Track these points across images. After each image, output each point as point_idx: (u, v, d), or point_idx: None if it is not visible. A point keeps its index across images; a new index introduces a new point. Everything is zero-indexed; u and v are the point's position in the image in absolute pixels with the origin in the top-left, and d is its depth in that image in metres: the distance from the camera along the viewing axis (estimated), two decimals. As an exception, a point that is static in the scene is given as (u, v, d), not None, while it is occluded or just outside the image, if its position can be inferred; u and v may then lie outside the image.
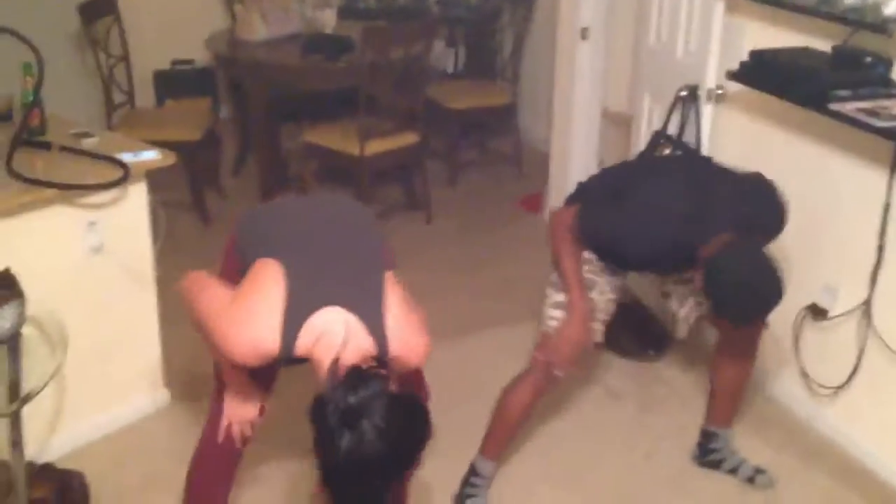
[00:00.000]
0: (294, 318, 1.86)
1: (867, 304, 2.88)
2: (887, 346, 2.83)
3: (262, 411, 2.26)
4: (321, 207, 2.35)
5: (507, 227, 4.76)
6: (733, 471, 2.98)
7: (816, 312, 3.09)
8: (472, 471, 2.83)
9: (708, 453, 3.02)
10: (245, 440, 2.28)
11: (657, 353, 3.63)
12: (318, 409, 1.67)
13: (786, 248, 3.23)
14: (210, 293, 1.99)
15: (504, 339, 3.66)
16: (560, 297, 2.73)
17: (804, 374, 3.18)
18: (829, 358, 3.07)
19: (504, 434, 2.81)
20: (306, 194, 4.63)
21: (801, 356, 3.18)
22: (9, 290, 2.21)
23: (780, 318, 3.20)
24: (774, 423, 3.24)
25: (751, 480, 2.95)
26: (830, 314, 3.04)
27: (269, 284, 1.91)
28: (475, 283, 4.17)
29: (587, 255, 2.70)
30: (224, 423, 2.24)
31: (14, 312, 2.19)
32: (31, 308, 2.24)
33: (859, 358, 2.93)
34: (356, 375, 1.71)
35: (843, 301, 2.99)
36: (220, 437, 2.24)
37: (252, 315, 1.88)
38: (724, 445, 3.01)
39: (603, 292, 2.76)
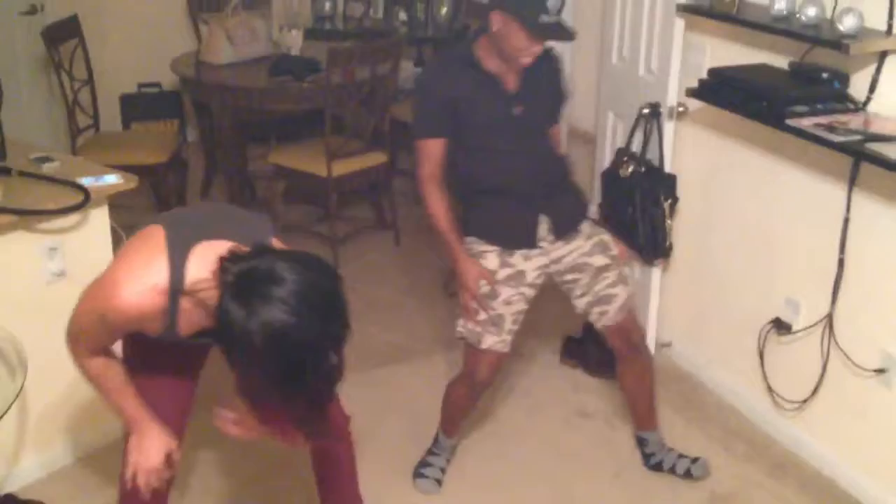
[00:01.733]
0: (178, 249, 1.82)
1: (829, 318, 2.91)
2: (849, 360, 2.85)
3: (170, 460, 2.06)
4: (217, 208, 2.32)
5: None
6: (671, 469, 3.05)
7: (780, 326, 3.11)
8: (435, 441, 3.08)
9: (648, 457, 3.11)
10: (160, 491, 2.10)
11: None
12: (224, 316, 1.62)
13: (749, 262, 3.27)
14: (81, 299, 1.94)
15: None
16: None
17: (769, 389, 3.20)
18: (794, 372, 3.09)
19: (455, 418, 3.04)
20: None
21: (766, 370, 3.20)
22: (-34, 318, 2.19)
23: (745, 333, 3.24)
24: (740, 436, 3.26)
25: (689, 474, 3.03)
26: (794, 328, 3.07)
27: (147, 237, 1.89)
28: (443, 301, 4.16)
29: (487, 262, 2.79)
30: (129, 472, 2.04)
31: (-28, 340, 2.17)
32: (-9, 335, 2.22)
33: (823, 371, 2.96)
34: (244, 255, 1.69)
35: (807, 315, 3.02)
36: (129, 487, 2.05)
37: (133, 263, 1.85)
38: (657, 447, 3.09)
39: (508, 302, 2.81)
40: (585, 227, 2.90)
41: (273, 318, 1.59)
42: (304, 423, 1.80)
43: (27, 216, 2.59)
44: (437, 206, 2.76)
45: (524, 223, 2.81)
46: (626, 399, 3.14)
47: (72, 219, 2.72)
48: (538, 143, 2.84)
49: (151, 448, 2.03)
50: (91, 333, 1.92)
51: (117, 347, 2.05)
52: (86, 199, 2.65)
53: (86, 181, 2.74)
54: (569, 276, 2.88)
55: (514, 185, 2.78)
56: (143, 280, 1.80)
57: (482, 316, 2.79)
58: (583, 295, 2.90)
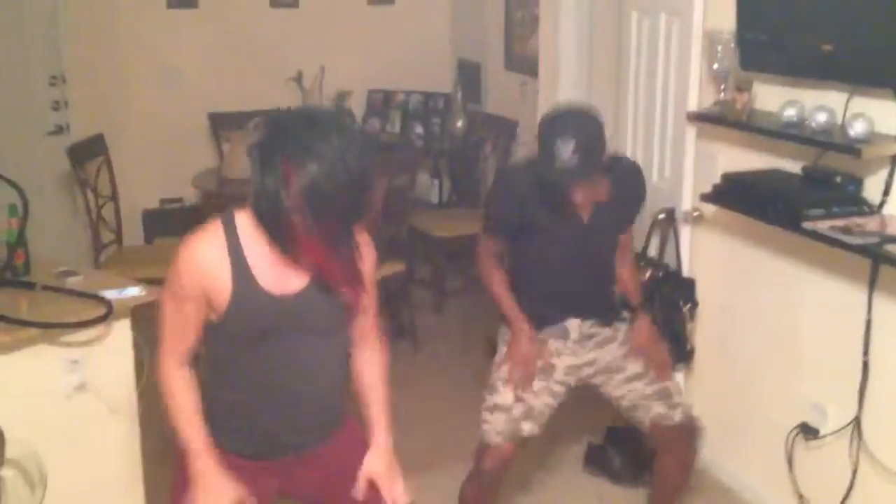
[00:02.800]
0: (227, 215, 2.00)
1: (857, 422, 2.86)
2: (880, 464, 2.79)
3: None
4: None
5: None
6: None
7: (807, 431, 3.06)
8: None
9: None
10: None
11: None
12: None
13: (773, 366, 3.23)
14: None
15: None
16: (496, 398, 2.83)
17: (799, 496, 3.12)
18: (824, 477, 3.02)
19: None
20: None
21: (795, 477, 3.13)
22: (-13, 432, 2.19)
23: (773, 438, 3.18)
24: (773, 547, 3.17)
25: None
26: (822, 433, 3.01)
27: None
28: (465, 410, 4.11)
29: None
30: None
31: (-8, 455, 2.16)
32: (12, 449, 2.21)
33: (853, 477, 2.89)
34: None
35: (834, 419, 2.97)
36: None
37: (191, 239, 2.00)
38: None
39: (537, 394, 2.83)
40: (621, 333, 2.92)
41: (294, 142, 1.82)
42: (334, 243, 1.89)
43: (50, 329, 2.61)
44: (495, 282, 2.88)
45: (556, 320, 2.88)
46: (655, 477, 3.09)
47: (94, 331, 2.74)
48: (595, 255, 2.88)
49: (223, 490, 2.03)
50: (172, 318, 2.03)
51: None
52: (108, 312, 2.67)
53: (108, 294, 2.77)
54: (599, 378, 2.90)
55: (555, 292, 2.87)
56: (200, 238, 1.98)
57: (518, 411, 2.79)
58: (619, 398, 2.91)
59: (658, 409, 2.86)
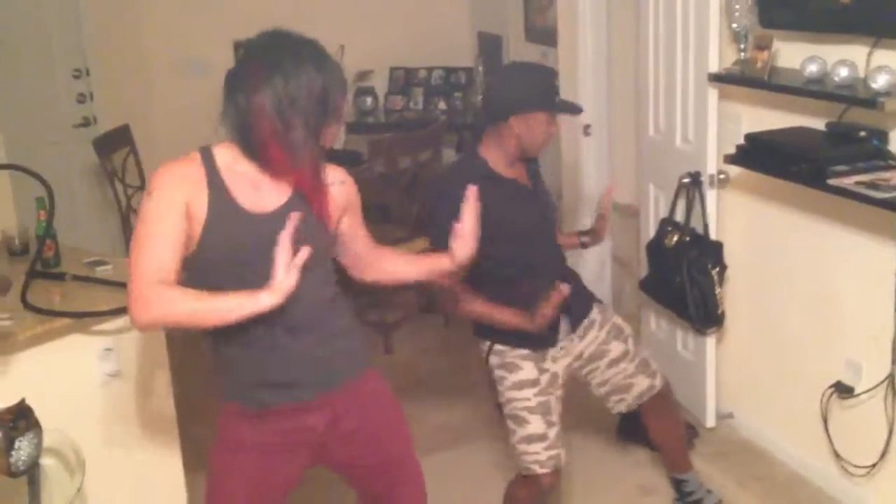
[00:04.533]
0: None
1: (892, 378, 2.83)
2: (916, 420, 2.77)
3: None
4: None
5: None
6: None
7: (842, 389, 3.03)
8: None
9: (686, 496, 3.14)
10: None
11: (688, 444, 3.56)
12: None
13: (804, 325, 3.21)
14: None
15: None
16: (528, 430, 2.76)
17: (836, 455, 3.10)
18: (860, 436, 3.00)
19: None
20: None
21: (831, 436, 3.11)
22: (25, 422, 2.23)
23: (807, 398, 3.16)
24: (809, 505, 3.16)
25: None
26: (856, 390, 2.99)
27: None
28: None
29: (525, 373, 2.76)
30: None
31: (30, 444, 2.20)
32: (49, 438, 2.25)
33: (890, 434, 2.87)
34: None
35: (868, 376, 2.94)
36: None
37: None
38: (696, 486, 3.14)
39: (556, 410, 2.81)
40: (596, 313, 2.92)
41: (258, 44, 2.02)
42: (298, 150, 1.97)
43: (82, 319, 2.65)
44: (466, 300, 2.73)
45: (546, 327, 2.73)
46: (657, 443, 3.18)
47: (125, 320, 2.76)
48: (550, 239, 2.91)
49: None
50: (144, 236, 1.94)
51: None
52: (138, 299, 2.70)
53: (138, 282, 2.80)
54: (588, 367, 2.93)
55: (541, 284, 2.70)
56: (176, 160, 2.05)
57: (553, 433, 2.76)
58: (601, 384, 2.95)
59: (643, 382, 2.93)
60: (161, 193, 1.97)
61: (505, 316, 2.72)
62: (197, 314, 1.94)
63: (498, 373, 2.82)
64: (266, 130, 1.95)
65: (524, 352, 2.78)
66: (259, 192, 2.03)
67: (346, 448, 2.21)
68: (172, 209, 1.95)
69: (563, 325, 2.83)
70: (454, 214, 2.34)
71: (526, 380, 2.77)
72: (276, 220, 1.97)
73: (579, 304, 2.87)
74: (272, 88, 1.94)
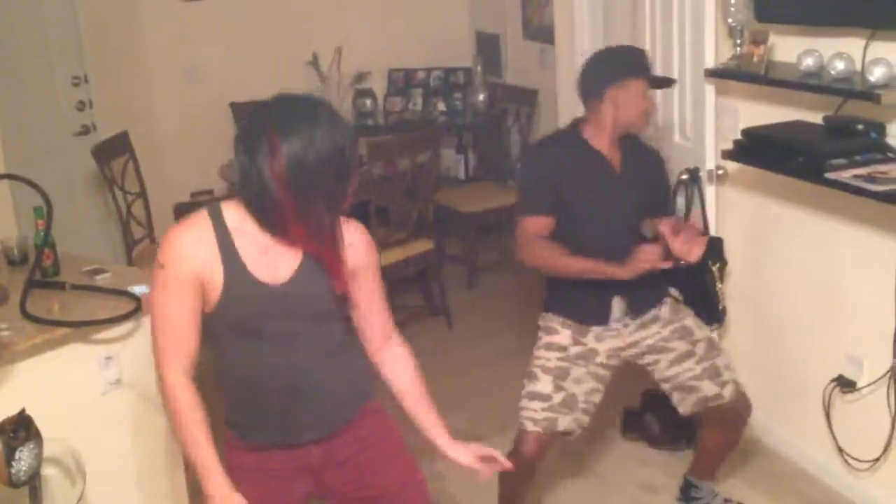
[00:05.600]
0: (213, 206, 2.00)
1: (893, 372, 2.82)
2: (919, 413, 2.76)
3: None
4: None
5: (530, 325, 4.72)
6: None
7: (844, 384, 3.03)
8: None
9: (691, 500, 3.14)
10: None
11: (690, 443, 3.55)
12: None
13: (805, 320, 3.20)
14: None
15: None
16: (535, 386, 2.82)
17: (839, 449, 3.09)
18: (863, 430, 2.99)
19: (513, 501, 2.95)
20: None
21: (834, 430, 3.10)
22: (25, 432, 2.23)
23: (809, 392, 3.16)
24: (812, 499, 3.15)
25: None
26: (858, 384, 2.98)
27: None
28: (501, 384, 4.12)
29: (560, 338, 2.80)
30: None
31: (31, 454, 2.20)
32: (50, 447, 2.25)
33: (892, 428, 2.86)
34: None
35: (870, 370, 2.93)
36: None
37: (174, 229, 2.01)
38: (706, 495, 3.13)
39: (579, 381, 2.81)
40: (665, 311, 2.90)
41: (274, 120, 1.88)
42: (318, 224, 1.91)
43: (82, 328, 2.65)
44: (551, 254, 2.73)
45: (598, 301, 2.82)
46: (700, 446, 3.11)
47: (125, 327, 2.77)
48: (632, 225, 2.86)
49: None
50: (163, 313, 1.98)
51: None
52: (137, 307, 2.70)
53: (137, 289, 2.80)
54: (647, 359, 2.90)
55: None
56: (184, 226, 1.97)
57: (557, 398, 2.78)
58: (663, 380, 2.91)
59: (708, 389, 2.85)
60: (173, 270, 1.94)
61: (593, 266, 2.71)
62: (180, 437, 2.03)
63: (539, 335, 2.91)
64: (286, 209, 1.88)
65: (567, 321, 2.84)
66: (270, 257, 1.97)
67: (344, 477, 2.18)
68: (186, 287, 1.95)
69: (617, 307, 2.83)
70: (540, 183, 2.69)
71: (556, 343, 2.85)
72: (289, 286, 1.97)
73: (645, 296, 2.86)
74: (290, 162, 1.84)
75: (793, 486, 3.24)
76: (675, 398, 2.91)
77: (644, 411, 3.59)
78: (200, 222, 1.97)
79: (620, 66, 2.77)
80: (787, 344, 3.31)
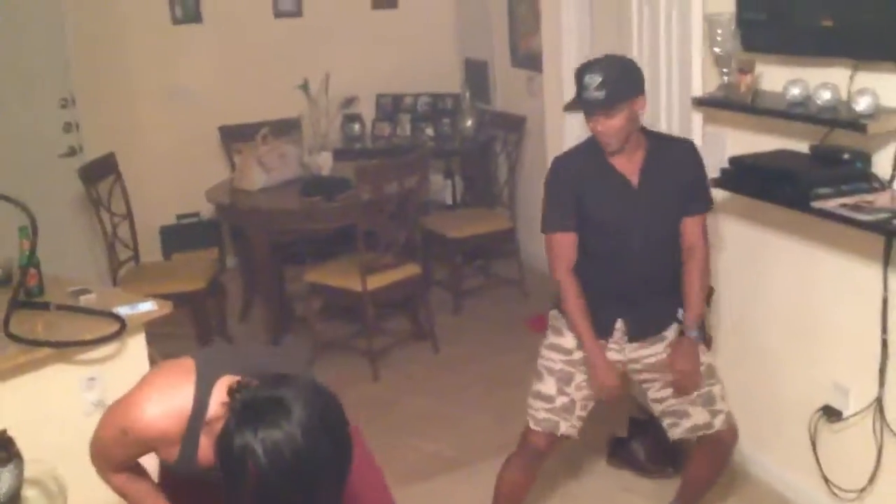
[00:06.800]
0: (205, 378, 1.80)
1: (879, 402, 2.83)
2: (905, 442, 2.76)
3: None
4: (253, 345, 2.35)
5: (516, 350, 4.74)
6: None
7: (830, 413, 3.03)
8: None
9: None
10: None
11: (676, 471, 3.54)
12: (225, 440, 1.55)
13: (792, 349, 3.20)
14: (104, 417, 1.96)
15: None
16: (540, 386, 2.87)
17: (824, 479, 3.09)
18: (849, 459, 2.99)
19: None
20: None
21: (820, 459, 3.10)
22: (6, 453, 2.20)
23: (795, 421, 3.15)
24: (801, 531, 3.14)
25: None
26: (845, 414, 2.98)
27: (177, 365, 1.87)
28: (488, 408, 4.12)
29: (565, 340, 2.85)
30: None
31: (11, 475, 2.18)
32: (31, 468, 2.23)
33: (879, 457, 2.86)
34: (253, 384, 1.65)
35: (856, 400, 2.93)
36: None
37: (161, 385, 1.83)
38: None
39: (580, 388, 2.83)
40: (671, 333, 2.90)
41: (276, 443, 1.52)
42: None
43: (64, 348, 2.63)
44: (571, 301, 2.78)
45: (603, 318, 2.84)
46: (686, 474, 3.11)
47: (109, 348, 2.76)
48: (649, 244, 2.80)
49: None
50: (111, 449, 1.93)
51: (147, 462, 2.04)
52: (122, 328, 2.69)
53: (121, 310, 2.79)
54: (645, 376, 2.90)
55: (606, 287, 2.82)
56: (168, 402, 1.80)
57: (560, 402, 2.83)
58: (656, 401, 2.91)
59: (700, 416, 2.84)
60: (133, 440, 1.86)
61: (585, 336, 2.78)
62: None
63: (547, 332, 2.95)
64: None
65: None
66: None
67: None
68: (137, 450, 1.93)
69: (619, 328, 2.85)
70: (565, 195, 2.74)
71: (560, 346, 2.88)
72: None
73: (649, 321, 2.87)
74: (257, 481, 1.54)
75: (777, 513, 3.23)
76: (666, 422, 2.90)
77: (631, 438, 3.57)
78: (181, 398, 1.80)
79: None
80: (774, 372, 3.31)
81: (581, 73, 2.69)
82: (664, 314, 2.89)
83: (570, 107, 2.76)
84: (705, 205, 2.88)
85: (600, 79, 2.63)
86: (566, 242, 2.79)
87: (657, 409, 2.92)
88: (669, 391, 2.85)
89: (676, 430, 2.88)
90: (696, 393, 2.83)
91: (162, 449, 1.87)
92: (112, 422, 1.89)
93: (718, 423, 2.85)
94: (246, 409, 1.58)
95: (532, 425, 2.87)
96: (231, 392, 1.65)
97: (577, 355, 2.84)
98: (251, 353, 2.10)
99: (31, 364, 2.59)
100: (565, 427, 2.84)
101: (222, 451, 1.57)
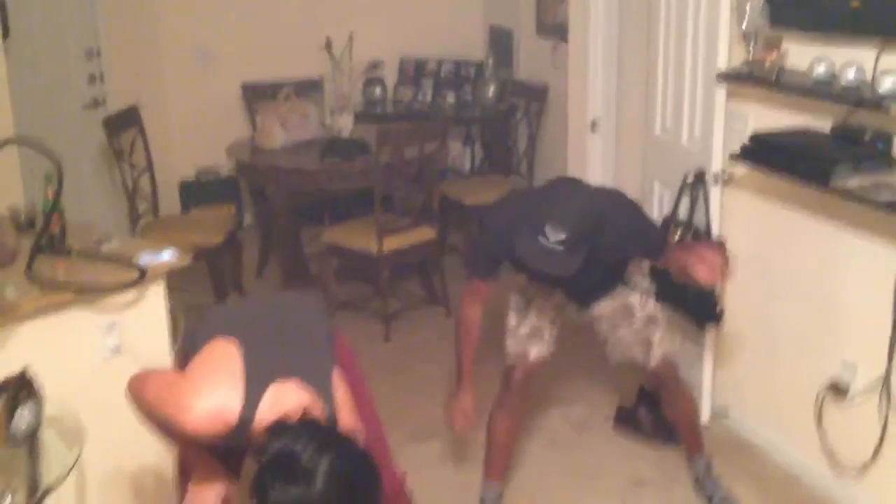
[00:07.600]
0: (255, 385, 1.87)
1: (886, 380, 2.84)
2: (910, 422, 2.78)
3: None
4: (273, 303, 2.44)
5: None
6: (710, 498, 3.19)
7: (837, 390, 3.05)
8: (481, 501, 3.13)
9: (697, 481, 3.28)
10: None
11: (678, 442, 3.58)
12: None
13: (803, 325, 3.22)
14: (157, 376, 2.03)
15: (536, 424, 3.64)
16: (506, 323, 3.10)
17: (830, 453, 3.12)
18: (854, 435, 3.01)
19: (499, 457, 3.14)
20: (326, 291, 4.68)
21: (824, 436, 3.12)
22: (26, 391, 2.25)
23: (802, 397, 3.18)
24: (801, 503, 3.17)
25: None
26: (851, 391, 3.00)
27: (226, 356, 1.94)
28: (498, 373, 4.14)
29: (519, 278, 3.05)
30: None
31: (31, 413, 2.22)
32: (50, 408, 2.27)
33: (883, 435, 2.88)
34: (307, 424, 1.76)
35: (863, 378, 2.95)
36: None
37: (213, 382, 1.89)
38: (702, 472, 3.23)
39: (541, 310, 3.05)
40: (615, 292, 3.08)
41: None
42: None
43: (84, 293, 2.67)
44: (464, 338, 2.99)
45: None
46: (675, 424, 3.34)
47: (128, 296, 2.80)
48: (590, 282, 2.95)
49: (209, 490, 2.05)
50: (154, 419, 2.03)
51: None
52: (141, 276, 2.73)
53: (142, 259, 2.82)
54: (594, 320, 3.13)
55: (550, 294, 3.07)
56: (218, 402, 1.87)
57: (523, 330, 3.02)
58: (603, 338, 3.12)
59: (637, 354, 3.07)
60: (177, 430, 1.92)
61: (464, 371, 3.03)
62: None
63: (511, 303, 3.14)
64: None
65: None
66: None
67: None
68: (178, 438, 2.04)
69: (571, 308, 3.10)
70: (497, 252, 2.80)
71: (516, 283, 3.10)
72: None
73: (598, 296, 3.06)
74: None
75: (781, 488, 3.26)
76: (607, 349, 3.12)
77: (638, 406, 3.61)
78: (217, 430, 1.88)
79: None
80: (783, 347, 3.33)
81: (544, 217, 2.50)
82: (611, 288, 3.06)
83: (526, 255, 2.56)
84: (655, 252, 2.86)
85: (563, 236, 2.47)
86: (485, 288, 2.91)
87: (601, 328, 3.10)
88: (613, 332, 3.06)
89: (614, 356, 3.12)
90: (635, 337, 3.04)
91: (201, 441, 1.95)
92: (161, 404, 1.94)
93: (653, 362, 3.06)
94: (275, 461, 1.68)
95: (508, 360, 3.06)
96: (272, 432, 1.74)
97: (531, 287, 3.02)
98: (280, 333, 2.11)
99: (52, 307, 2.63)
100: (535, 352, 3.03)
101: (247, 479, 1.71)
